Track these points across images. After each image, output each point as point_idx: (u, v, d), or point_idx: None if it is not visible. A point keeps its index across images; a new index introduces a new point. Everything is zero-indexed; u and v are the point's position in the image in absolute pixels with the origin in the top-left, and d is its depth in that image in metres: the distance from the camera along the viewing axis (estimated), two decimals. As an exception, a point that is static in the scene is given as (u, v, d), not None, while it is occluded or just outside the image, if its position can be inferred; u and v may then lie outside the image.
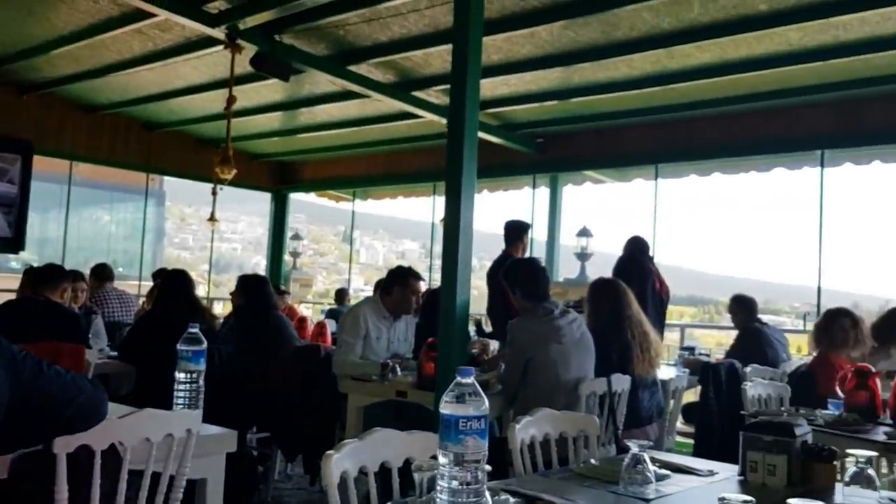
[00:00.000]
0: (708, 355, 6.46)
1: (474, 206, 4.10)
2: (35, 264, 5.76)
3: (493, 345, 5.54)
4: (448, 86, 6.55)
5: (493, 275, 6.08)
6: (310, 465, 4.76)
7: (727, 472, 2.36)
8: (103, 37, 6.45)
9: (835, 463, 2.24)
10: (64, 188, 9.88)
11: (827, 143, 6.97)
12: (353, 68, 6.55)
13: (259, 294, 5.07)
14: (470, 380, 1.54)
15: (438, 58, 6.20)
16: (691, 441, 5.51)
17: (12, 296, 5.22)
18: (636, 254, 6.07)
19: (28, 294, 4.67)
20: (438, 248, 10.81)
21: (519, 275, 4.10)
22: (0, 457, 1.88)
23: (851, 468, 2.05)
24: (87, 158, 9.76)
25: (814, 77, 6.18)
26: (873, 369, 3.73)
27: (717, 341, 11.03)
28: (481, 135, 7.82)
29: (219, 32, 5.65)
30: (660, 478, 2.17)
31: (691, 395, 5.73)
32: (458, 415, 1.49)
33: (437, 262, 10.42)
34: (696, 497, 2.13)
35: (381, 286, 5.21)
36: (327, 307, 10.15)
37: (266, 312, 5.02)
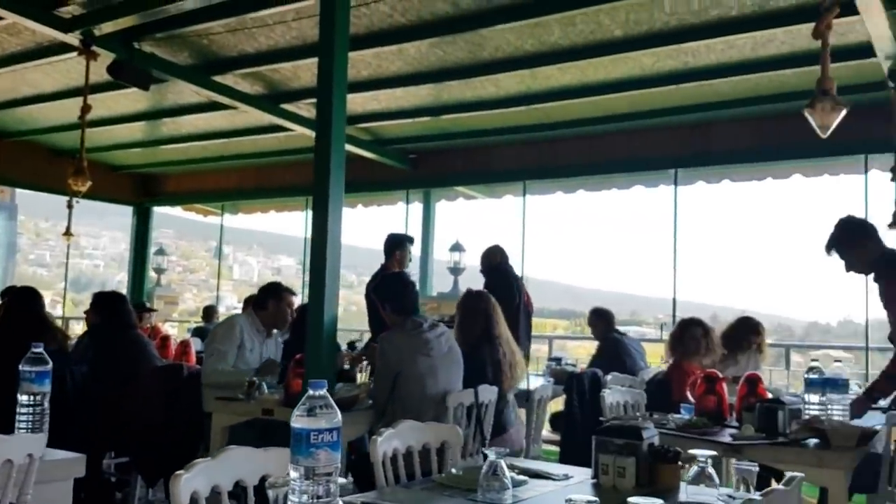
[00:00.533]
0: (574, 365, 6.70)
1: (342, 219, 4.10)
2: None
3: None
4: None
5: (370, 290, 6.09)
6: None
7: (582, 476, 2.46)
8: (-57, 39, 6.00)
9: (679, 463, 2.37)
10: None
11: (680, 163, 7.41)
12: (218, 79, 6.39)
13: (116, 312, 4.87)
14: (321, 392, 1.54)
15: (308, 71, 6.15)
16: (558, 448, 5.69)
17: None
18: (501, 267, 6.13)
19: None
20: (312, 264, 10.74)
21: (388, 290, 4.15)
22: None
23: (694, 468, 2.19)
24: (-75, 169, 9.03)
25: (667, 100, 6.57)
26: (720, 375, 3.99)
27: (587, 352, 11.45)
28: (354, 149, 7.92)
29: (72, 38, 5.37)
30: (517, 484, 2.24)
31: (559, 405, 5.92)
32: (310, 428, 1.49)
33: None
34: (549, 500, 2.20)
35: (252, 302, 5.14)
36: (194, 325, 9.79)
37: (123, 331, 4.81)
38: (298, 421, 1.49)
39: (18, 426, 2.49)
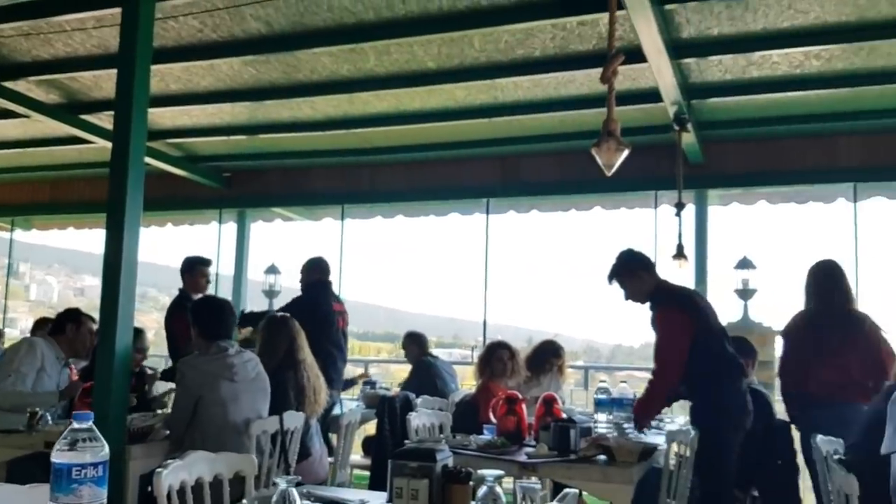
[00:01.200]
0: (388, 389, 6.74)
1: (139, 238, 3.89)
2: None
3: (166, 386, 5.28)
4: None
5: (170, 315, 5.81)
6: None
7: (377, 500, 2.47)
8: None
9: (470, 483, 2.44)
10: None
11: (492, 192, 7.71)
12: (9, 84, 5.88)
13: None
14: (87, 424, 1.45)
15: (110, 81, 5.77)
16: (369, 473, 5.68)
17: None
18: (318, 285, 5.97)
19: None
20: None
21: (201, 313, 3.99)
22: None
23: (483, 488, 2.26)
24: None
25: (480, 132, 6.83)
26: (520, 396, 4.17)
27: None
28: (162, 165, 7.56)
29: None
30: (312, 511, 2.21)
31: (372, 428, 5.92)
32: (72, 463, 1.40)
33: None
34: (343, 528, 2.19)
35: (51, 327, 4.78)
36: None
37: None
38: (60, 456, 1.40)
39: None
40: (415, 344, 6.29)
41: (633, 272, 4.24)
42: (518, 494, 2.31)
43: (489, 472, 2.27)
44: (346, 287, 8.31)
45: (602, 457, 3.49)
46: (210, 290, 6.28)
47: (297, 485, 2.17)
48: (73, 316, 4.64)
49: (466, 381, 7.13)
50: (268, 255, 9.90)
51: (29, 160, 8.41)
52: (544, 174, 7.42)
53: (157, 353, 8.16)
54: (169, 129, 6.93)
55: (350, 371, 6.79)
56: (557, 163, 7.32)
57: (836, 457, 3.31)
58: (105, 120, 6.68)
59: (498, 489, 2.25)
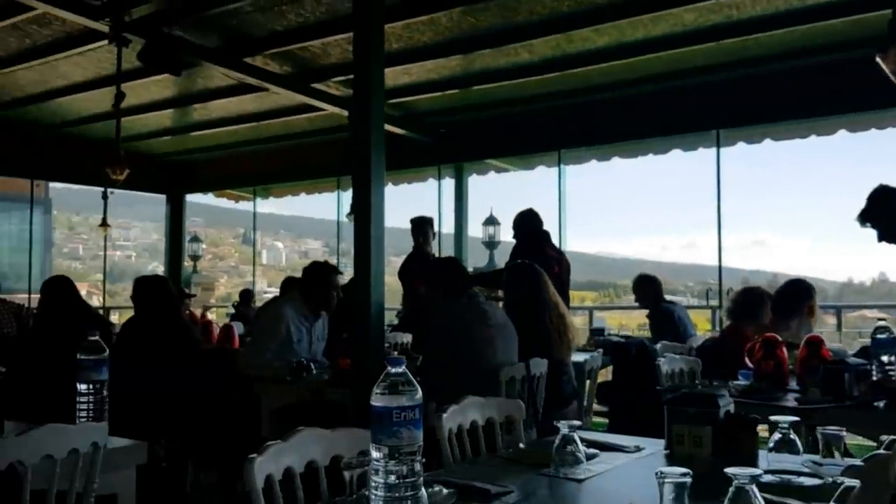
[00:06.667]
0: (618, 335, 6.59)
1: (385, 197, 4.03)
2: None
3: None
4: (349, 76, 6.50)
5: (404, 269, 6.07)
6: (226, 472, 4.58)
7: (653, 447, 2.38)
8: (-27, 34, 5.99)
9: (757, 430, 2.29)
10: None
11: (722, 123, 7.20)
12: (248, 60, 6.33)
13: (159, 296, 4.83)
14: (401, 369, 1.47)
15: (337, 47, 6.07)
16: (605, 420, 5.62)
17: None
18: (533, 236, 5.88)
19: None
20: (344, 246, 10.74)
21: (440, 274, 4.06)
22: None
23: (776, 434, 2.10)
24: (-37, 166, 9.14)
25: (709, 57, 6.34)
26: (780, 339, 3.88)
27: (618, 322, 11.33)
28: (385, 126, 7.80)
29: (102, 25, 5.33)
30: (589, 457, 2.16)
31: (603, 375, 5.83)
32: (391, 406, 1.42)
33: (343, 260, 10.32)
34: (626, 473, 2.13)
35: (296, 285, 5.07)
36: (232, 310, 9.83)
37: (167, 316, 4.79)
38: (379, 399, 1.43)
39: (79, 415, 2.47)
40: (651, 288, 6.05)
41: (890, 212, 3.77)
42: (821, 442, 2.13)
43: (782, 419, 2.11)
44: (565, 237, 8.23)
45: (883, 401, 3.15)
46: (434, 246, 6.48)
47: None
48: (316, 274, 4.75)
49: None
50: (485, 207, 10.04)
51: (265, 132, 9.06)
52: (781, 97, 6.78)
53: (390, 307, 8.58)
54: (391, 88, 7.13)
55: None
56: (794, 83, 6.65)
57: None
58: (332, 87, 7.00)
59: (793, 436, 2.09)
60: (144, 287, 4.93)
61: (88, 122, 8.65)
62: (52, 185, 12.29)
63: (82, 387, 2.47)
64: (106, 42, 5.54)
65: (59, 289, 4.61)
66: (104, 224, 9.11)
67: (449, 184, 9.34)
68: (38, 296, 4.88)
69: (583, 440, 2.32)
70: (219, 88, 7.41)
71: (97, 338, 2.49)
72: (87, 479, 2.05)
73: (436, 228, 6.63)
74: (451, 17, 5.48)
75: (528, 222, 5.81)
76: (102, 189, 8.91)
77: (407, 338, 5.68)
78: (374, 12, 3.95)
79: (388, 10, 5.04)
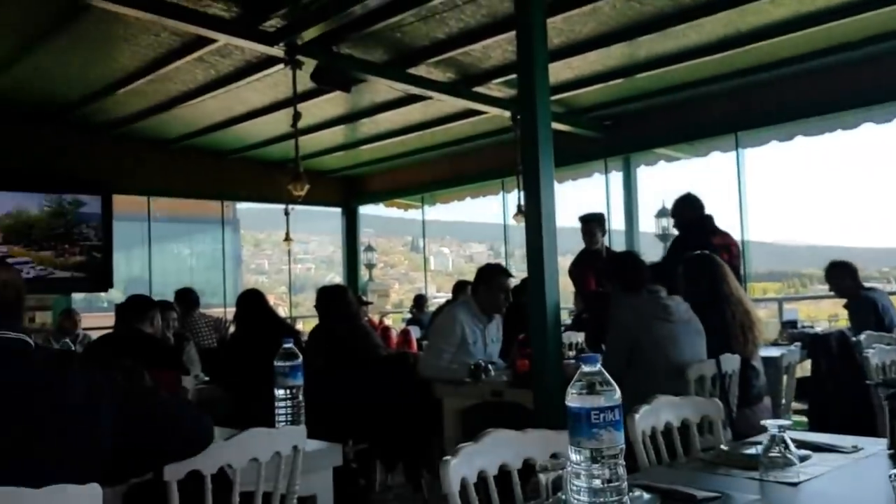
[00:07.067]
0: (812, 327, 6.13)
1: (554, 195, 3.97)
2: (123, 301, 5.88)
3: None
4: (510, 77, 6.49)
5: (575, 266, 6.00)
6: (411, 473, 4.68)
7: (873, 447, 2.15)
8: (166, 69, 6.54)
9: None
10: (144, 225, 10.13)
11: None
12: (412, 70, 6.48)
13: (340, 304, 5.02)
14: (596, 367, 1.41)
15: (498, 48, 6.07)
16: (804, 418, 5.24)
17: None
18: (695, 223, 5.35)
19: (120, 327, 4.73)
20: (510, 248, 10.76)
21: (618, 268, 3.94)
22: (113, 488, 1.84)
23: None
24: (163, 192, 10.03)
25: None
26: None
27: (806, 314, 10.53)
28: (550, 124, 7.72)
29: (278, 50, 5.64)
30: (801, 459, 1.98)
31: (801, 370, 5.42)
32: (589, 407, 1.36)
33: (509, 262, 10.32)
34: (846, 476, 1.94)
35: (466, 288, 5.14)
36: (408, 315, 10.12)
37: (349, 322, 4.97)
38: (575, 400, 1.37)
39: (278, 419, 2.58)
40: (847, 276, 5.54)
41: None
42: None
43: None
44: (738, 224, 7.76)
45: None
46: (604, 243, 6.32)
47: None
48: (484, 276, 4.78)
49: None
50: (654, 200, 9.69)
51: (430, 140, 9.26)
52: None
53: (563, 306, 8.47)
54: (553, 84, 7.03)
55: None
56: None
57: None
58: (494, 89, 7.02)
59: None
60: (327, 296, 5.15)
61: (268, 145, 9.23)
62: (238, 205, 13.19)
63: (280, 392, 2.58)
64: (282, 66, 5.86)
65: (253, 301, 4.93)
66: (287, 239, 9.65)
67: (616, 177, 9.10)
68: (233, 309, 5.21)
69: (794, 440, 2.15)
70: (385, 102, 7.65)
71: (291, 345, 2.60)
72: (289, 480, 2.13)
73: (606, 225, 6.47)
74: (614, 6, 5.32)
75: (686, 208, 5.41)
76: (284, 206, 9.46)
77: (581, 337, 5.56)
78: (536, 9, 3.90)
79: (548, 6, 4.99)
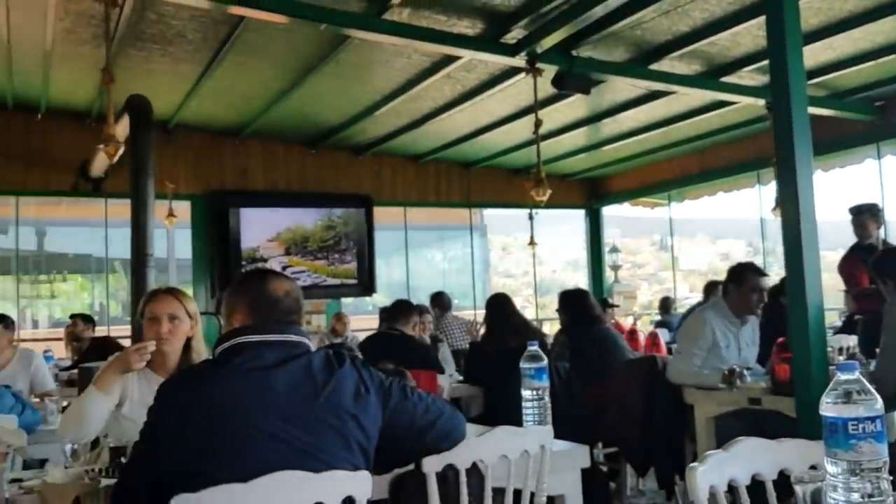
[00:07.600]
0: None
1: (813, 186, 3.67)
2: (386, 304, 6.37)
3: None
4: (761, 63, 6.10)
5: (845, 261, 5.50)
6: (663, 478, 4.58)
7: None
8: (418, 89, 7.01)
9: None
10: (401, 234, 10.93)
11: None
12: (654, 67, 6.32)
13: (582, 308, 5.04)
14: (854, 375, 1.33)
15: (747, 35, 5.74)
16: None
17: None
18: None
19: (384, 329, 5.17)
20: (769, 245, 10.05)
21: (890, 266, 3.60)
22: (379, 476, 2.03)
23: None
24: (418, 203, 10.74)
25: None
26: None
27: None
28: (809, 109, 7.10)
29: (519, 60, 5.80)
30: None
31: None
32: (846, 417, 1.29)
33: (769, 259, 9.66)
34: None
35: (716, 289, 4.92)
36: (656, 318, 9.85)
37: (590, 325, 4.97)
38: (830, 409, 1.30)
39: (525, 419, 2.68)
40: None
41: None
42: None
43: None
44: None
45: None
46: (879, 236, 5.70)
47: None
48: (732, 276, 4.51)
49: None
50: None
51: (675, 136, 8.96)
52: None
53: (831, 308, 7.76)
54: (812, 68, 6.49)
55: None
56: None
57: None
58: (745, 77, 6.65)
59: None
60: (568, 299, 5.21)
61: (511, 152, 9.51)
62: (485, 211, 13.67)
63: (526, 393, 2.68)
64: (523, 75, 6.02)
65: (501, 304, 5.12)
66: (532, 243, 9.84)
67: (892, 163, 8.16)
68: (483, 311, 5.45)
69: None
70: (627, 100, 7.55)
71: (537, 348, 2.69)
72: (537, 478, 2.21)
73: (880, 216, 5.83)
74: (879, -23, 4.83)
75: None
76: (528, 211, 9.67)
77: (853, 341, 5.08)
78: (787, -12, 3.65)
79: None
